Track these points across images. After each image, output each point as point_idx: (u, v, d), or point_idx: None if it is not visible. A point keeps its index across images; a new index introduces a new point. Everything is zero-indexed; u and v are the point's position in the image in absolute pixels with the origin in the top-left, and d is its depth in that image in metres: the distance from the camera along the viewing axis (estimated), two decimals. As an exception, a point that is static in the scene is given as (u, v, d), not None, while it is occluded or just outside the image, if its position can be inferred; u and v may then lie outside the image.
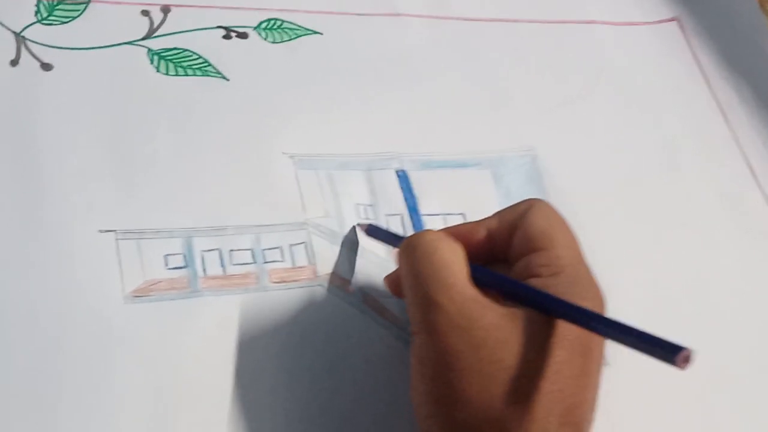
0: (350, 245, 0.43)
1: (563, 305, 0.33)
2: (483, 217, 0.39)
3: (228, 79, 0.46)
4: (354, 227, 0.43)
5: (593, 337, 0.34)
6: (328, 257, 0.42)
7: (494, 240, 0.38)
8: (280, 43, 0.48)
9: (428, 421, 0.34)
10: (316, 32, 0.49)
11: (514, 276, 0.36)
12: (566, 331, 0.33)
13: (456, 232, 0.38)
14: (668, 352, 0.29)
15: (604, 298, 0.35)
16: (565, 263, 0.35)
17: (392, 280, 0.40)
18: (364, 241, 0.43)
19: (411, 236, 0.37)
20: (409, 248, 0.36)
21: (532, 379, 0.32)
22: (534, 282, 0.35)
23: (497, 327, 0.33)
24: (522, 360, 0.32)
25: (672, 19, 0.58)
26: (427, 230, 0.37)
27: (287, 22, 0.49)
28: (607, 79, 0.54)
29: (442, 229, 0.39)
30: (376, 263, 0.43)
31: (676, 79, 0.56)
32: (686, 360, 0.28)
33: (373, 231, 0.43)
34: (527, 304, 0.34)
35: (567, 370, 0.33)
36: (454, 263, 0.35)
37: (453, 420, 0.33)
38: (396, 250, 0.39)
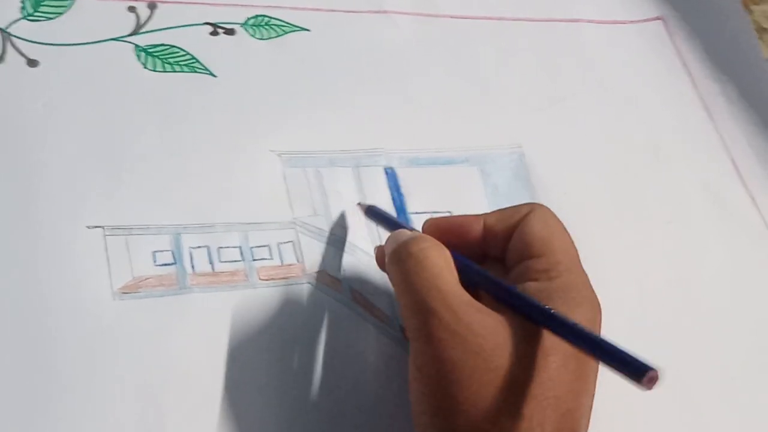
0: (337, 239, 0.43)
1: (536, 309, 0.33)
2: (482, 213, 0.39)
3: (215, 76, 0.46)
4: (341, 217, 0.43)
5: None
6: (316, 255, 0.42)
7: (490, 237, 0.38)
8: (268, 40, 0.48)
9: (427, 428, 0.34)
10: (303, 29, 0.49)
11: (510, 280, 0.36)
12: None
13: (452, 224, 0.38)
14: (635, 371, 0.28)
15: (599, 306, 0.36)
16: (562, 269, 0.35)
17: (380, 255, 0.39)
18: (352, 235, 0.43)
19: (399, 245, 0.36)
20: (400, 256, 0.36)
21: (528, 386, 0.32)
22: (528, 286, 0.35)
23: (493, 333, 0.33)
24: (517, 366, 0.32)
25: (657, 18, 0.59)
26: (416, 237, 0.36)
27: (274, 18, 0.49)
28: (593, 77, 0.54)
29: (436, 219, 0.39)
30: (365, 261, 0.43)
31: (661, 77, 0.56)
32: (652, 381, 0.28)
33: (372, 213, 0.43)
34: (512, 309, 0.34)
35: (562, 375, 0.33)
36: (444, 269, 0.35)
37: (450, 428, 0.33)
38: (389, 234, 0.39)
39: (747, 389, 0.46)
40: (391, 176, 0.46)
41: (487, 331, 0.33)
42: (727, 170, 0.53)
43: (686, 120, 0.55)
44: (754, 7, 0.62)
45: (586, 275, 0.36)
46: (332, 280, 0.42)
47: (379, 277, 0.43)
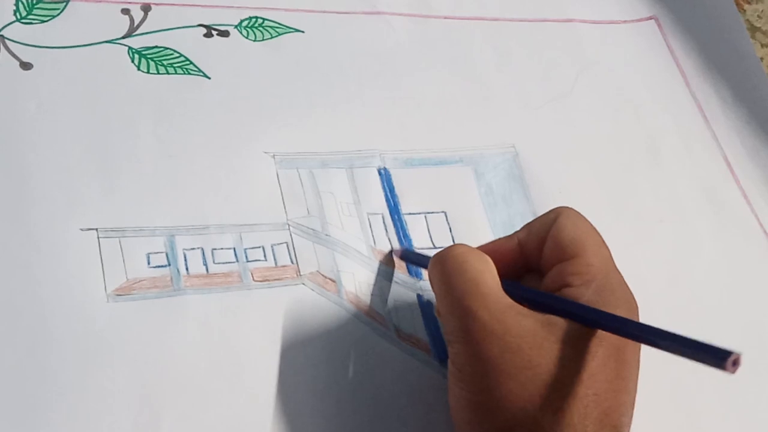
0: (331, 240, 0.43)
1: (604, 317, 0.33)
2: (512, 232, 0.39)
3: (209, 78, 0.46)
4: (335, 218, 0.43)
5: (627, 342, 0.34)
6: (310, 256, 0.42)
7: (525, 251, 0.38)
8: (262, 42, 0.48)
9: (466, 427, 0.34)
10: (297, 30, 0.49)
11: (546, 285, 0.37)
12: (600, 337, 0.33)
13: (487, 249, 0.38)
14: (716, 357, 0.29)
15: (636, 305, 0.36)
16: (596, 271, 0.35)
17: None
18: (346, 236, 0.43)
19: (440, 251, 0.37)
20: (440, 261, 0.36)
21: (568, 384, 0.33)
22: (567, 292, 0.35)
23: (533, 333, 0.33)
24: (557, 365, 0.33)
25: (650, 18, 0.59)
26: (457, 244, 0.37)
27: (268, 20, 0.49)
28: (587, 77, 0.54)
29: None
30: (358, 259, 0.43)
31: (655, 76, 0.56)
32: (735, 364, 0.28)
33: (406, 255, 0.43)
34: (564, 316, 0.34)
35: (602, 374, 0.33)
36: (486, 273, 0.35)
37: (491, 426, 0.33)
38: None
39: (742, 388, 0.46)
40: (385, 177, 0.46)
41: (525, 332, 0.33)
42: (721, 169, 0.53)
43: (679, 119, 0.55)
44: (746, 6, 0.63)
45: (620, 274, 0.37)
46: (326, 280, 0.42)
47: (374, 277, 0.43)
